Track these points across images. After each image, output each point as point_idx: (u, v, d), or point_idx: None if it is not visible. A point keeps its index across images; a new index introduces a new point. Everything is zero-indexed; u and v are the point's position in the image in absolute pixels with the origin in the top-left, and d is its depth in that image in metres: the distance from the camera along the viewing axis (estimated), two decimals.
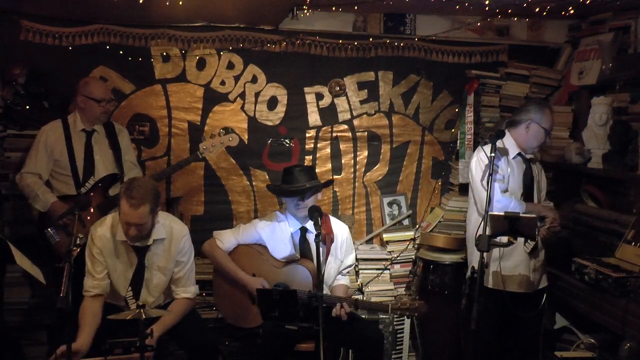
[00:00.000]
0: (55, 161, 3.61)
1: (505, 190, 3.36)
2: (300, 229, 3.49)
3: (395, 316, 3.78)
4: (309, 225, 3.44)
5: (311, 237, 3.36)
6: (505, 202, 3.26)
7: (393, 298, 4.20)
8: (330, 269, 3.50)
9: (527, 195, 3.43)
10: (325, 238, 3.45)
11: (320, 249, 3.39)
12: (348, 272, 3.67)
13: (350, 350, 3.71)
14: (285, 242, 3.49)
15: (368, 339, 3.33)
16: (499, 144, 3.40)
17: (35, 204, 3.54)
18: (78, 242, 2.74)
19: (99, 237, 3.10)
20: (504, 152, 3.41)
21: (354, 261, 3.73)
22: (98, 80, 3.89)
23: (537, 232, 3.34)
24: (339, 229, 3.58)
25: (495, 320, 3.36)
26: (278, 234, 3.49)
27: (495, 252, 3.25)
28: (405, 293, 4.27)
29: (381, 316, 3.92)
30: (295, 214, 3.46)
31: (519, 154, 3.43)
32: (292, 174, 3.44)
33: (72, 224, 3.41)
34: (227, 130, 3.93)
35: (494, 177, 3.27)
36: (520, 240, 3.27)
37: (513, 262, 3.34)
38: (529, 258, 3.36)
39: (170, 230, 3.18)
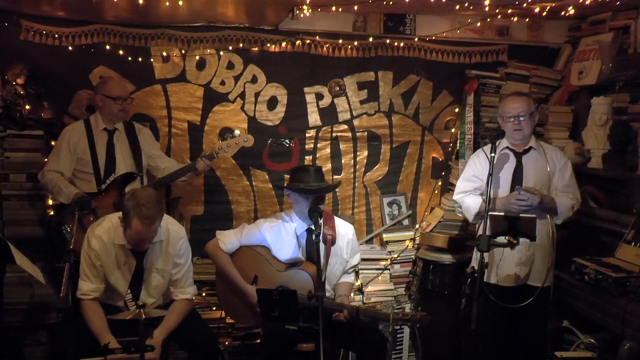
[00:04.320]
0: (78, 159, 3.66)
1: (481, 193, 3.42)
2: (306, 230, 3.45)
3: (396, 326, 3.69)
4: None
5: None
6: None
7: (393, 298, 4.20)
8: (336, 270, 3.49)
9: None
10: (326, 239, 3.43)
11: (322, 249, 3.40)
12: (353, 271, 3.66)
13: (350, 352, 3.71)
14: (290, 243, 3.45)
15: (371, 343, 3.31)
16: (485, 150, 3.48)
17: (59, 197, 3.57)
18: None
19: (96, 241, 3.07)
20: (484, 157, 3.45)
21: (359, 260, 3.71)
22: (115, 78, 3.93)
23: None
24: (344, 229, 3.55)
25: (492, 315, 3.32)
26: (283, 235, 3.46)
27: None
28: (405, 293, 4.27)
29: None
30: (304, 215, 3.40)
31: (506, 147, 3.44)
32: (307, 172, 3.40)
33: (87, 220, 3.44)
34: (230, 132, 3.90)
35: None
36: None
37: (496, 255, 3.31)
38: (512, 251, 3.28)
39: (167, 232, 3.17)
